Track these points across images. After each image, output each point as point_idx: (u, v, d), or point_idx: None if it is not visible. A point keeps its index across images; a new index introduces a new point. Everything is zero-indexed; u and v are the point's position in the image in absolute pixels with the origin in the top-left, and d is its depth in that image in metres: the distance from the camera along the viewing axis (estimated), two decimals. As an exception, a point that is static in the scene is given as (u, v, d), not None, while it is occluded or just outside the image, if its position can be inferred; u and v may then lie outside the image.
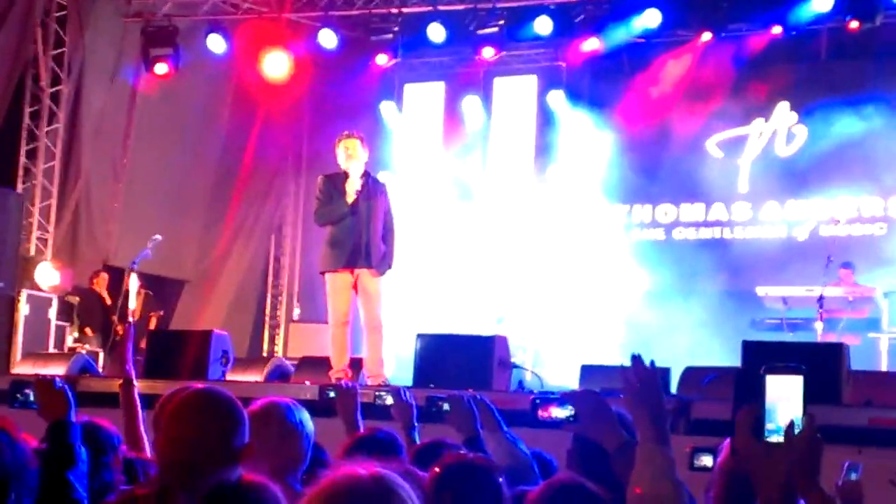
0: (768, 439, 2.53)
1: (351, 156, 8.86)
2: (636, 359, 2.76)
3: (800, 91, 13.87)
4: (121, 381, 4.92)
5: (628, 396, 2.74)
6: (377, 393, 6.52)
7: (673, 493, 2.62)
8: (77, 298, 13.28)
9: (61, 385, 3.64)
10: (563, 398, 3.20)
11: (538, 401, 3.27)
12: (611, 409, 3.01)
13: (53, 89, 13.95)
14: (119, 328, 12.37)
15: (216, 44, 14.23)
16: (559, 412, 3.16)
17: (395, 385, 5.21)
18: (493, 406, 4.45)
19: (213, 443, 3.08)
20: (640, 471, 2.68)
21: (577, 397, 3.08)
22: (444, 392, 4.85)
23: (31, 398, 3.79)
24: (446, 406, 4.44)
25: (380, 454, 3.80)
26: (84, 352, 11.14)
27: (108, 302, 13.05)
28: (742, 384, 2.57)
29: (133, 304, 11.25)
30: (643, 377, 2.74)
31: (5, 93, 13.27)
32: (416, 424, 4.78)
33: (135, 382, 4.90)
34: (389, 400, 5.04)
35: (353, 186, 8.70)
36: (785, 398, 2.51)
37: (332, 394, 5.11)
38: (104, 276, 13.39)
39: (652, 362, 2.77)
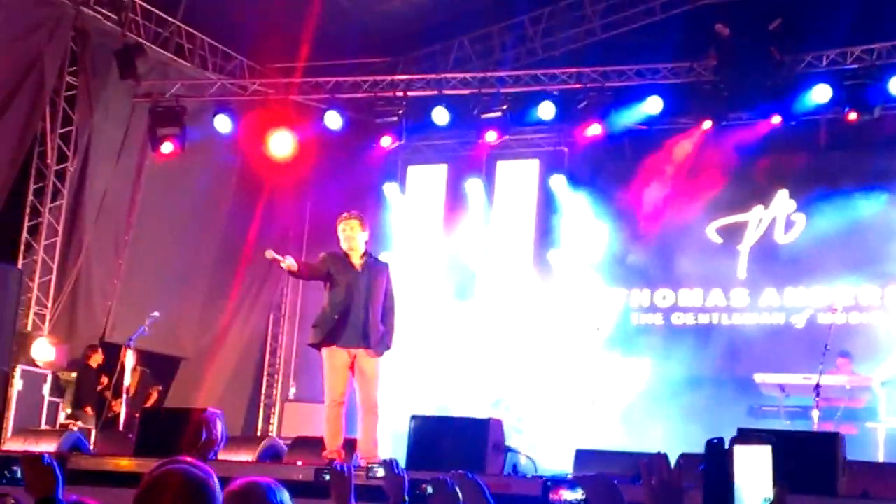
0: None
1: (350, 236, 8.93)
2: (662, 458, 2.71)
3: (799, 179, 14.00)
4: None
5: (647, 493, 2.69)
6: (369, 466, 6.47)
7: None
8: (73, 375, 13.24)
9: (49, 461, 3.61)
10: (575, 481, 3.18)
11: (549, 483, 3.25)
12: (621, 494, 2.98)
13: (59, 167, 14.04)
14: (114, 405, 12.33)
15: (223, 124, 14.38)
16: (570, 495, 3.14)
17: (388, 458, 5.16)
18: (486, 487, 4.42)
19: None
20: None
21: (589, 481, 3.05)
22: (430, 474, 4.82)
23: (19, 474, 3.76)
24: (430, 489, 4.41)
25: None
26: (76, 429, 11.08)
27: (104, 380, 13.03)
28: (713, 459, 2.55)
29: (128, 380, 11.20)
30: (665, 479, 2.69)
31: (11, 169, 13.34)
32: (406, 500, 4.75)
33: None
34: (381, 473, 5.00)
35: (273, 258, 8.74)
36: (754, 470, 2.51)
37: (327, 476, 5.06)
38: (100, 352, 13.38)
39: (679, 464, 2.71)
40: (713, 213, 14.34)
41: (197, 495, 3.09)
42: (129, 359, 11.16)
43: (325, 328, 8.88)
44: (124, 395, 11.00)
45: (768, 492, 2.55)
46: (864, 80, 12.54)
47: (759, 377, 11.64)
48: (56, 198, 14.03)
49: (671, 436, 10.83)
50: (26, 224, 13.82)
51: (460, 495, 4.31)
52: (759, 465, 2.55)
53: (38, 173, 13.95)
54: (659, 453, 2.70)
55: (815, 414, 9.94)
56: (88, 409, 13.00)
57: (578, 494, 3.11)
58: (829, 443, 7.05)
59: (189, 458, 3.48)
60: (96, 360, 13.27)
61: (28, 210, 13.85)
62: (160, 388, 13.89)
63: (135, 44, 13.85)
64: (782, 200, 14.13)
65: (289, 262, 8.64)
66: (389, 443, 9.54)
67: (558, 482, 3.26)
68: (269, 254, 8.70)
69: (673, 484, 2.69)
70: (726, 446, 2.58)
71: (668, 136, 14.37)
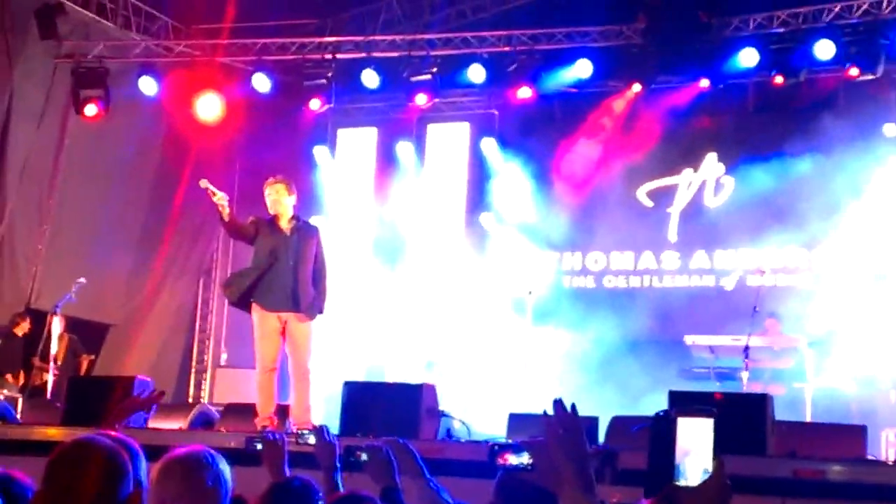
0: (678, 482, 2.54)
1: (276, 200, 8.86)
2: (558, 404, 2.73)
3: (727, 142, 14.12)
4: None
5: (552, 442, 2.70)
6: (299, 432, 6.43)
7: None
8: None
9: None
10: (520, 446, 3.15)
11: (496, 448, 3.23)
12: None
13: (-22, 131, 13.72)
14: (44, 374, 12.11)
15: (148, 86, 14.13)
16: (515, 458, 3.11)
17: (319, 425, 5.11)
18: (417, 453, 4.41)
19: (91, 495, 3.00)
20: None
21: (539, 447, 3.04)
22: (365, 441, 4.80)
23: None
24: (364, 456, 4.39)
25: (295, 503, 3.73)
26: (2, 398, 10.88)
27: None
28: (657, 430, 2.58)
29: (55, 348, 11.02)
30: (565, 423, 2.70)
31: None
32: (338, 466, 4.72)
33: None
34: (312, 440, 4.96)
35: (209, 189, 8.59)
36: (696, 441, 2.52)
37: (259, 445, 5.01)
38: (28, 320, 13.11)
39: (573, 407, 2.73)
40: (643, 176, 14.42)
41: (110, 468, 3.03)
42: (56, 326, 10.99)
43: (242, 286, 8.81)
44: (52, 363, 10.80)
45: (708, 463, 2.56)
46: (790, 43, 12.67)
47: (689, 339, 11.74)
48: (-24, 162, 13.71)
49: (603, 398, 10.91)
50: (-54, 189, 13.51)
51: (394, 461, 4.30)
52: (701, 437, 2.55)
53: (-41, 137, 13.62)
54: (555, 400, 2.71)
55: (745, 375, 10.08)
56: (9, 377, 12.75)
57: (524, 458, 3.08)
58: (759, 404, 7.16)
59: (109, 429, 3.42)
60: (23, 328, 12.98)
61: (-52, 175, 13.53)
62: (92, 356, 13.67)
63: (55, 3, 13.54)
64: (711, 163, 14.25)
65: (221, 196, 8.52)
66: (322, 408, 9.48)
67: (505, 446, 3.22)
68: (204, 183, 8.56)
69: (574, 425, 2.68)
70: (671, 417, 2.58)
71: (598, 100, 14.39)
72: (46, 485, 3.09)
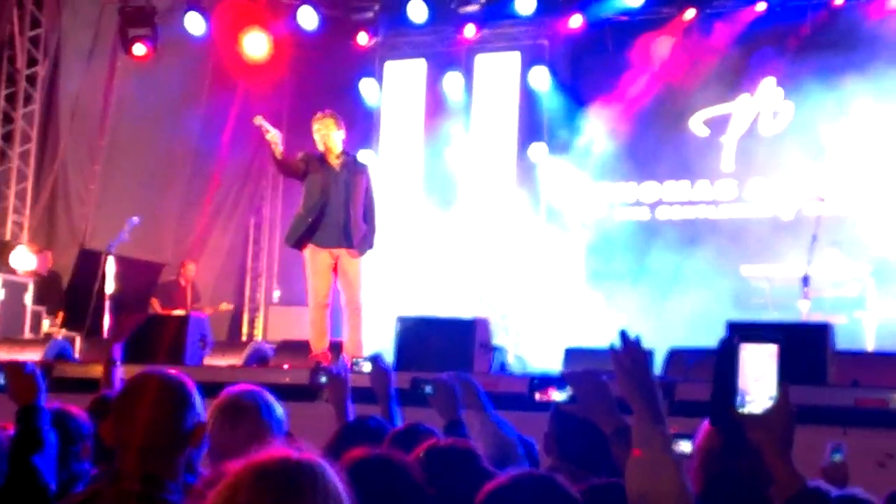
0: (742, 410, 2.49)
1: (325, 135, 8.80)
2: (624, 335, 2.67)
3: (785, 67, 13.77)
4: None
5: (619, 374, 2.65)
6: (354, 360, 6.43)
7: (672, 471, 2.53)
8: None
9: (31, 369, 3.62)
10: (563, 379, 3.10)
11: (536, 382, 3.17)
12: (610, 391, 2.94)
13: (29, 71, 13.80)
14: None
15: (195, 24, 14.07)
16: (557, 394, 3.05)
17: (373, 353, 5.09)
18: (480, 387, 4.37)
19: (160, 424, 3.02)
20: (638, 450, 2.58)
21: (577, 378, 2.99)
22: (428, 375, 4.76)
23: (2, 381, 3.72)
24: (429, 388, 4.35)
25: (368, 441, 3.71)
26: (61, 337, 10.98)
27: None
28: (721, 357, 2.53)
29: (111, 287, 11.07)
30: (632, 354, 2.64)
31: (-19, 75, 13.12)
32: (392, 394, 4.70)
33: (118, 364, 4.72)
34: (367, 367, 4.95)
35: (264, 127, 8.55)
36: (760, 368, 2.47)
37: (323, 379, 5.00)
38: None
39: (638, 338, 2.67)
40: (697, 104, 14.13)
41: (174, 397, 3.07)
42: (111, 265, 11.04)
43: (299, 230, 8.82)
44: (107, 303, 10.88)
45: (773, 391, 2.49)
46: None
47: (746, 269, 11.59)
48: (28, 103, 13.81)
49: (659, 331, 10.78)
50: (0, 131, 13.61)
51: (458, 396, 4.26)
52: (765, 364, 2.49)
53: (9, 78, 13.69)
54: (621, 330, 2.65)
55: (804, 305, 9.90)
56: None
57: (566, 392, 3.01)
58: (820, 333, 7.04)
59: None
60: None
61: (0, 116, 13.60)
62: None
63: (102, -57, 13.50)
64: (769, 89, 13.93)
65: (274, 134, 8.48)
66: (374, 344, 9.48)
67: (545, 380, 3.15)
68: (258, 120, 8.55)
69: (641, 356, 2.63)
70: (735, 343, 2.51)
71: (651, 27, 14.09)
72: (114, 415, 3.11)
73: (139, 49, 13.84)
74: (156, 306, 13.35)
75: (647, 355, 2.68)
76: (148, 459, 3.00)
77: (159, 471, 3.01)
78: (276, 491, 2.00)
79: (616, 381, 2.68)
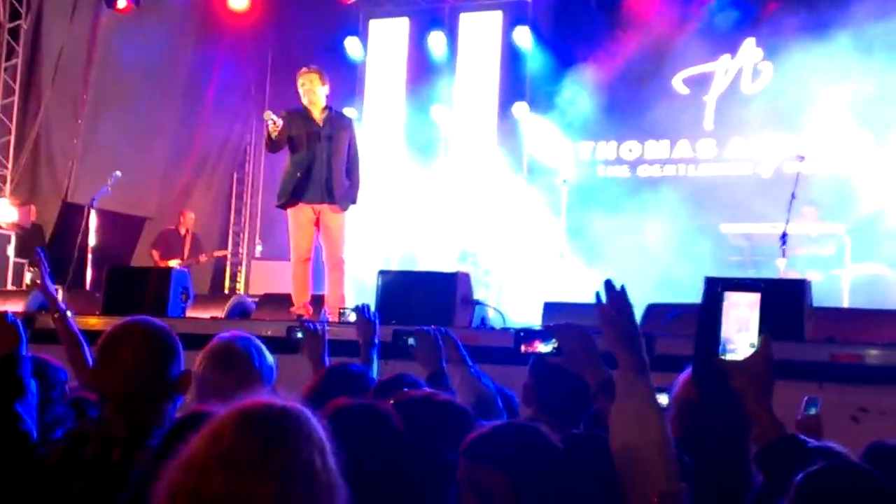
0: (724, 356, 2.55)
1: (310, 90, 8.82)
2: (609, 285, 2.72)
3: (766, 27, 13.79)
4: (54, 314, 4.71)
5: (604, 324, 2.69)
6: (341, 311, 6.44)
7: (656, 420, 2.59)
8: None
9: (12, 320, 3.64)
10: (548, 332, 3.15)
11: (522, 334, 3.23)
12: (594, 343, 2.98)
13: (12, 24, 13.70)
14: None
15: (178, -24, 13.99)
16: (543, 346, 3.11)
17: (360, 304, 5.15)
18: (459, 341, 4.43)
19: (146, 372, 3.09)
20: (622, 400, 2.64)
21: (563, 331, 3.04)
22: (410, 328, 4.82)
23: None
24: (411, 340, 4.41)
25: (351, 385, 3.78)
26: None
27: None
28: (707, 308, 2.58)
29: (93, 240, 11.09)
30: (617, 305, 2.70)
31: (-39, 27, 13.01)
32: (376, 343, 4.76)
33: (67, 313, 4.71)
34: (353, 317, 5.04)
35: (271, 120, 8.64)
36: (742, 317, 2.53)
37: (299, 334, 5.06)
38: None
39: (623, 288, 2.72)
40: (679, 63, 14.17)
41: (159, 346, 3.13)
42: (93, 219, 11.06)
43: (289, 187, 8.82)
44: (90, 256, 10.90)
45: (755, 338, 2.56)
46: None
47: (725, 227, 11.67)
48: (11, 56, 13.73)
49: (637, 287, 10.85)
50: (-19, 84, 13.54)
51: (442, 347, 4.32)
52: (748, 312, 2.55)
53: (-9, 31, 13.59)
54: (606, 280, 2.70)
55: (782, 262, 9.99)
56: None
57: (551, 345, 3.06)
58: (797, 289, 7.09)
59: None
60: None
61: (-18, 69, 13.54)
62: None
63: None
64: (749, 49, 13.98)
65: (278, 124, 8.61)
66: (355, 298, 9.53)
67: (531, 333, 3.21)
68: (268, 115, 8.68)
69: (625, 305, 2.70)
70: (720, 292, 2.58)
71: (634, -14, 14.10)
72: (99, 362, 3.15)
73: (122, 2, 13.74)
74: (155, 257, 13.40)
75: (632, 307, 2.73)
76: (133, 407, 3.06)
77: (144, 418, 3.07)
78: (260, 437, 2.02)
79: (599, 335, 2.73)
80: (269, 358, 3.78)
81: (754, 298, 2.57)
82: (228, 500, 1.96)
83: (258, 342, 3.77)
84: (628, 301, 2.70)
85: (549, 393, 3.72)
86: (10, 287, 12.02)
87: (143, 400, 3.07)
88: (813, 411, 4.20)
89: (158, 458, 2.81)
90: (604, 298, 2.72)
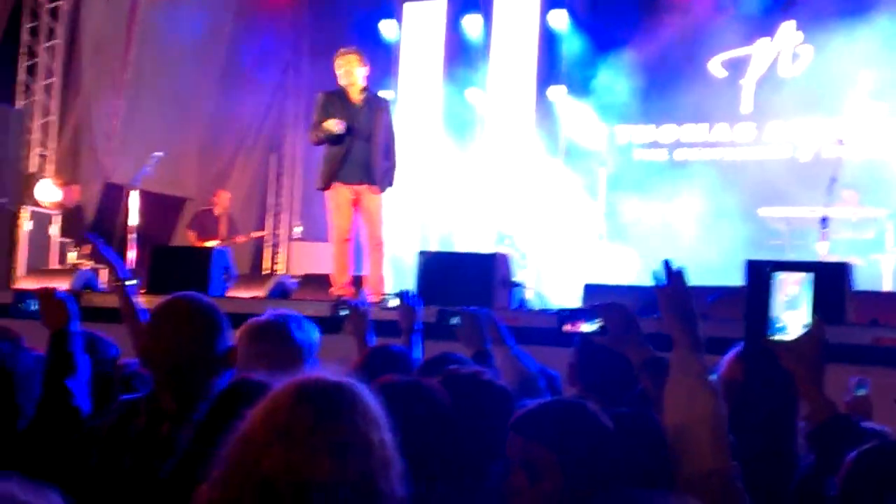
0: (773, 337, 2.55)
1: (348, 71, 8.84)
2: (668, 265, 2.73)
3: (805, 10, 13.67)
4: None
5: (662, 303, 2.71)
6: (383, 297, 6.46)
7: (709, 398, 2.60)
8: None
9: (62, 296, 3.67)
10: (592, 311, 3.16)
11: (566, 314, 3.24)
12: (638, 322, 2.99)
13: (52, 5, 13.78)
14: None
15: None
16: (587, 326, 3.12)
17: (402, 290, 5.16)
18: (500, 322, 4.44)
19: (189, 346, 3.12)
20: (676, 377, 2.65)
21: (607, 310, 3.06)
22: (455, 307, 4.83)
23: (33, 308, 3.79)
24: (456, 320, 4.42)
25: (393, 365, 3.80)
26: (88, 268, 11.11)
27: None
28: (757, 289, 2.59)
29: (134, 220, 11.18)
30: (676, 283, 2.71)
31: (4, 9, 13.10)
32: (416, 329, 4.77)
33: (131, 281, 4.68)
34: (394, 302, 5.03)
35: (333, 126, 8.67)
36: (793, 296, 2.52)
37: (344, 312, 5.08)
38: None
39: (681, 269, 2.74)
40: (716, 47, 14.08)
41: (205, 320, 3.17)
42: (134, 199, 11.15)
43: (330, 169, 8.86)
44: (131, 236, 11.00)
45: (806, 318, 2.56)
46: None
47: (763, 211, 11.61)
48: (51, 37, 13.81)
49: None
50: (23, 65, 13.64)
51: (485, 327, 4.33)
52: (800, 293, 2.55)
53: (32, 12, 13.69)
54: (664, 260, 2.72)
55: (822, 246, 9.92)
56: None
57: (595, 324, 3.07)
58: (839, 272, 7.05)
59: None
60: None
61: (24, 50, 13.64)
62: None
63: None
64: (789, 32, 13.87)
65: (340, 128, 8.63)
66: (394, 279, 9.58)
67: (574, 312, 3.22)
68: (338, 126, 8.70)
69: (682, 284, 2.73)
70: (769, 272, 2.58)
71: (672, -32, 14.00)
72: (148, 336, 3.19)
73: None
74: (191, 238, 13.42)
75: (689, 286, 2.74)
76: (180, 381, 3.11)
77: (192, 392, 3.11)
78: (316, 411, 2.03)
79: (643, 316, 2.75)
80: (313, 333, 3.80)
81: (805, 278, 2.56)
82: (286, 475, 1.97)
83: (300, 318, 3.80)
84: (686, 280, 2.71)
85: (595, 372, 3.73)
86: (54, 266, 12.14)
87: (189, 373, 3.11)
88: (863, 392, 4.20)
89: (203, 431, 2.87)
90: (663, 279, 2.74)
